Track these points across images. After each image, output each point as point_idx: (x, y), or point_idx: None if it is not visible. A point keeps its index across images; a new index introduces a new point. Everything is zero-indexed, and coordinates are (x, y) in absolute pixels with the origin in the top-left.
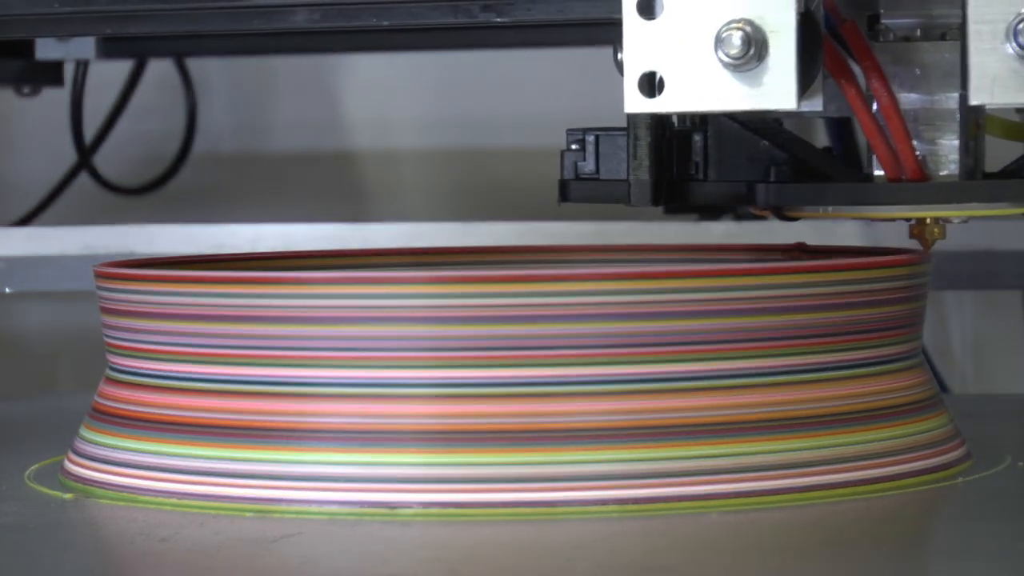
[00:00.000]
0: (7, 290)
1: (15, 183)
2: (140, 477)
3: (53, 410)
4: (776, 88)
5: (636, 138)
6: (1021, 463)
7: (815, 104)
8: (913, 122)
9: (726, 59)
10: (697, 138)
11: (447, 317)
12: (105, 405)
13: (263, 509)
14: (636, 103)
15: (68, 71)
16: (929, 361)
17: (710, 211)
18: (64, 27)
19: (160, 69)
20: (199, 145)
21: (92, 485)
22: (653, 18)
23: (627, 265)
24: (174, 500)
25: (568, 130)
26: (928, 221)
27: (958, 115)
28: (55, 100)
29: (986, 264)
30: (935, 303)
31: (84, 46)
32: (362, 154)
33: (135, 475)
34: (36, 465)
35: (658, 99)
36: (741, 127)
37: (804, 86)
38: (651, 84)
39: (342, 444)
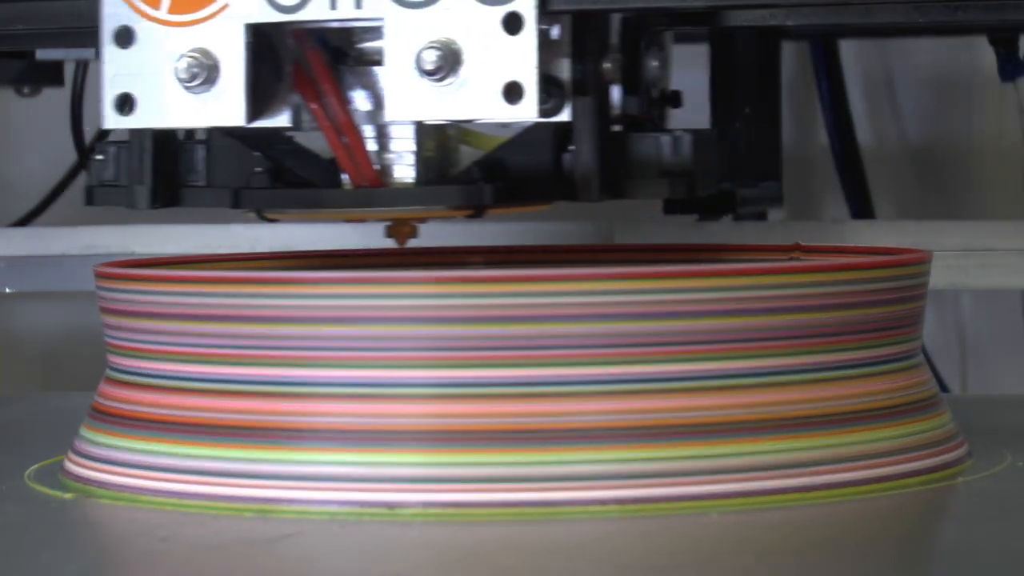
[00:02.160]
0: (7, 290)
1: (15, 183)
2: (140, 477)
3: (53, 410)
4: (228, 107)
5: (141, 149)
6: (1021, 463)
7: (282, 120)
8: (381, 136)
9: (183, 82)
10: (199, 148)
11: (447, 317)
12: (105, 405)
13: (263, 509)
14: (113, 120)
15: (68, 71)
16: (929, 361)
17: (710, 211)
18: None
19: None
20: None
21: (92, 485)
22: (128, 47)
23: (627, 265)
24: (174, 500)
25: (96, 143)
26: (397, 221)
27: (413, 129)
28: (55, 100)
29: (986, 264)
30: (935, 303)
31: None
32: None
33: (135, 475)
34: (36, 465)
35: (132, 117)
36: (239, 141)
37: (260, 105)
38: (124, 104)
39: (342, 444)
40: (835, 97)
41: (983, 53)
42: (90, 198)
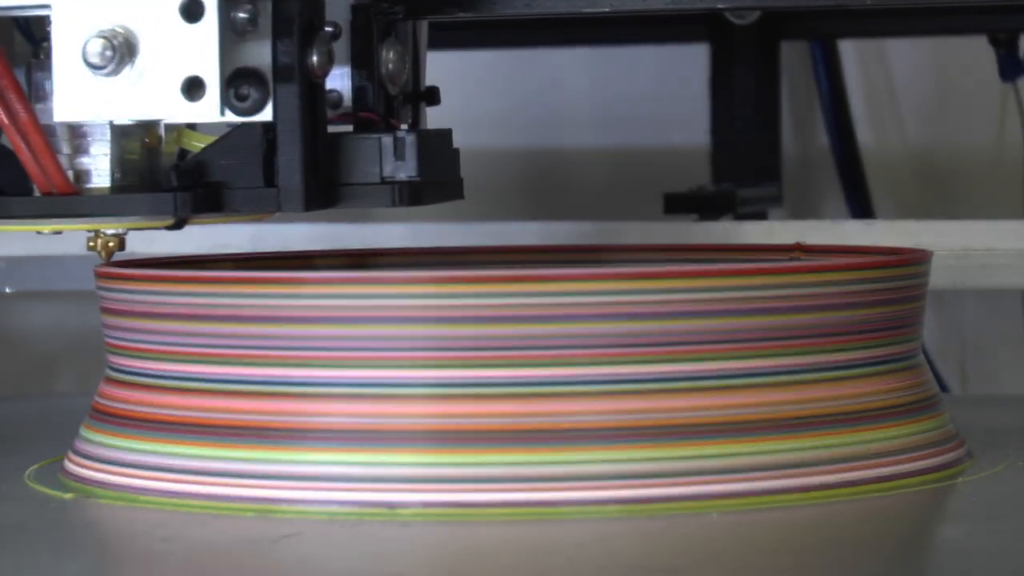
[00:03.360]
0: (7, 290)
1: None
2: (140, 477)
3: (53, 410)
4: None
5: None
6: (1021, 463)
7: None
8: (77, 138)
9: None
10: None
11: (447, 317)
12: (105, 405)
13: (263, 509)
14: None
15: None
16: (929, 361)
17: (710, 211)
18: None
19: None
20: None
21: (92, 485)
22: None
23: (627, 265)
24: (174, 500)
25: None
26: (101, 234)
27: (108, 130)
28: None
29: (986, 264)
30: (935, 303)
31: None
32: None
33: (135, 475)
34: (36, 465)
35: None
36: None
37: None
38: None
39: (342, 444)
40: (835, 97)
41: (983, 53)
42: None
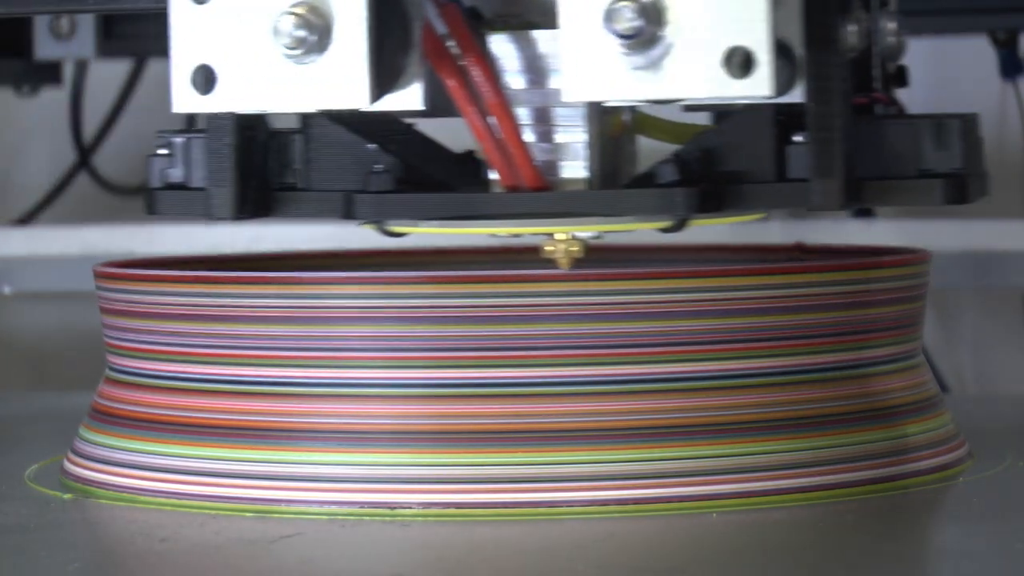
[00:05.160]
0: (7, 290)
1: (15, 183)
2: (140, 477)
3: (53, 410)
4: (344, 84)
5: (221, 140)
6: (1021, 463)
7: (412, 100)
8: (537, 122)
9: (284, 50)
10: (297, 140)
11: (446, 317)
12: (105, 405)
13: (263, 509)
14: (186, 101)
15: (67, 71)
16: (929, 361)
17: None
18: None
19: (160, 69)
20: None
21: (92, 485)
22: (205, 1)
23: (627, 265)
24: (174, 500)
25: (157, 132)
26: (563, 237)
27: (586, 114)
28: (55, 100)
29: (986, 264)
30: (935, 303)
31: (84, 45)
32: None
33: (135, 475)
34: (36, 465)
35: (211, 97)
36: (346, 128)
37: (385, 81)
38: (205, 79)
39: (342, 444)
40: None
41: (983, 53)
42: (151, 205)
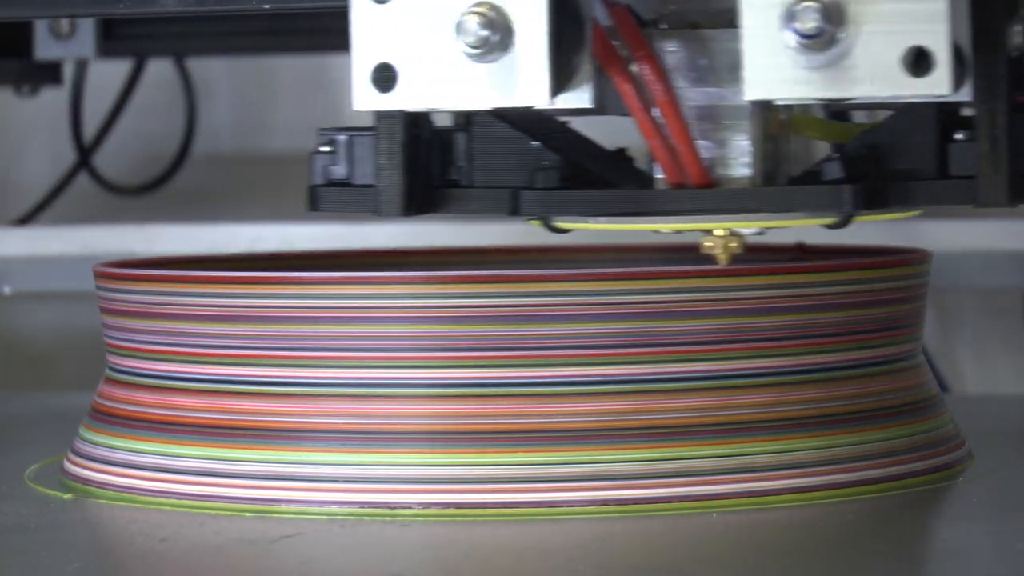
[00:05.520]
0: (7, 290)
1: (15, 183)
2: (140, 477)
3: (53, 410)
4: (525, 82)
5: (386, 138)
6: (1021, 463)
7: (581, 99)
8: (700, 120)
9: (466, 49)
10: (460, 138)
11: (447, 317)
12: (105, 405)
13: (263, 509)
14: (367, 99)
15: (68, 71)
16: (929, 361)
17: None
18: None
19: (160, 69)
20: (199, 145)
21: (92, 485)
22: (386, 1)
23: (627, 265)
24: (174, 500)
25: (319, 130)
26: (721, 233)
27: (750, 112)
28: (55, 100)
29: (986, 264)
30: (935, 303)
31: (84, 45)
32: None
33: (135, 475)
34: (36, 465)
35: (391, 95)
36: (510, 126)
37: (561, 79)
38: (385, 77)
39: (342, 444)
40: None
41: None
42: (315, 202)
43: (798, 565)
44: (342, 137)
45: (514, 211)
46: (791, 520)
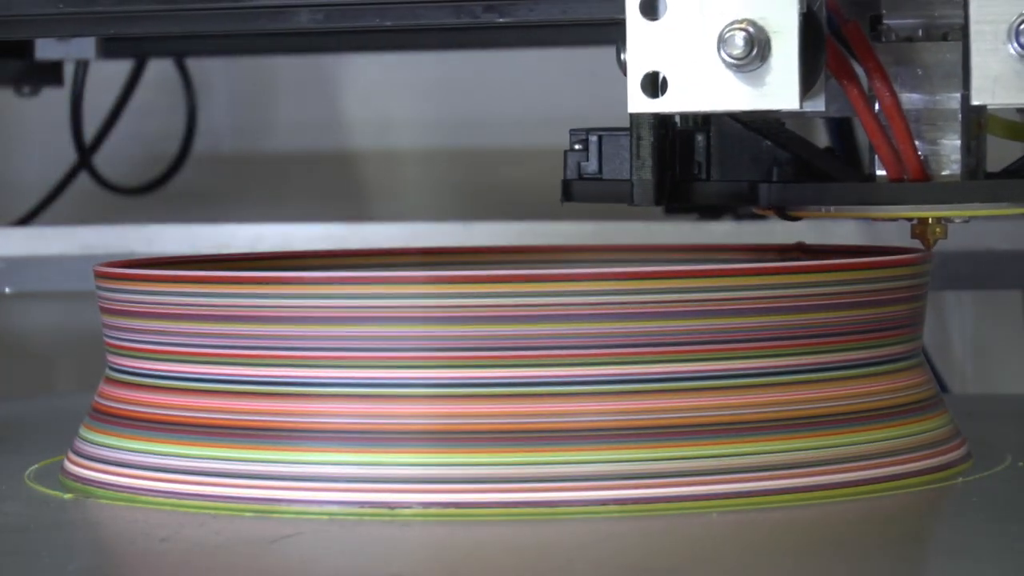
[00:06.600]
0: (7, 290)
1: (15, 183)
2: (140, 477)
3: (53, 410)
4: (779, 88)
5: (639, 138)
6: (1021, 463)
7: (817, 104)
8: (915, 122)
9: (729, 59)
10: (700, 138)
11: (447, 317)
12: (105, 405)
13: (263, 509)
14: (639, 103)
15: (68, 71)
16: (929, 361)
17: (710, 211)
18: (66, 27)
19: (160, 69)
20: (199, 145)
21: (92, 485)
22: (656, 18)
23: (627, 265)
24: (174, 500)
25: (571, 130)
26: (930, 221)
27: (960, 115)
28: (55, 100)
29: (986, 264)
30: (935, 303)
31: (84, 46)
32: (362, 154)
33: (135, 475)
34: (36, 465)
35: (661, 99)
36: (743, 127)
37: (806, 86)
38: (654, 84)
39: (342, 444)
40: None
41: None
42: (568, 193)
43: (798, 565)
44: (594, 137)
45: (752, 201)
46: (791, 520)
